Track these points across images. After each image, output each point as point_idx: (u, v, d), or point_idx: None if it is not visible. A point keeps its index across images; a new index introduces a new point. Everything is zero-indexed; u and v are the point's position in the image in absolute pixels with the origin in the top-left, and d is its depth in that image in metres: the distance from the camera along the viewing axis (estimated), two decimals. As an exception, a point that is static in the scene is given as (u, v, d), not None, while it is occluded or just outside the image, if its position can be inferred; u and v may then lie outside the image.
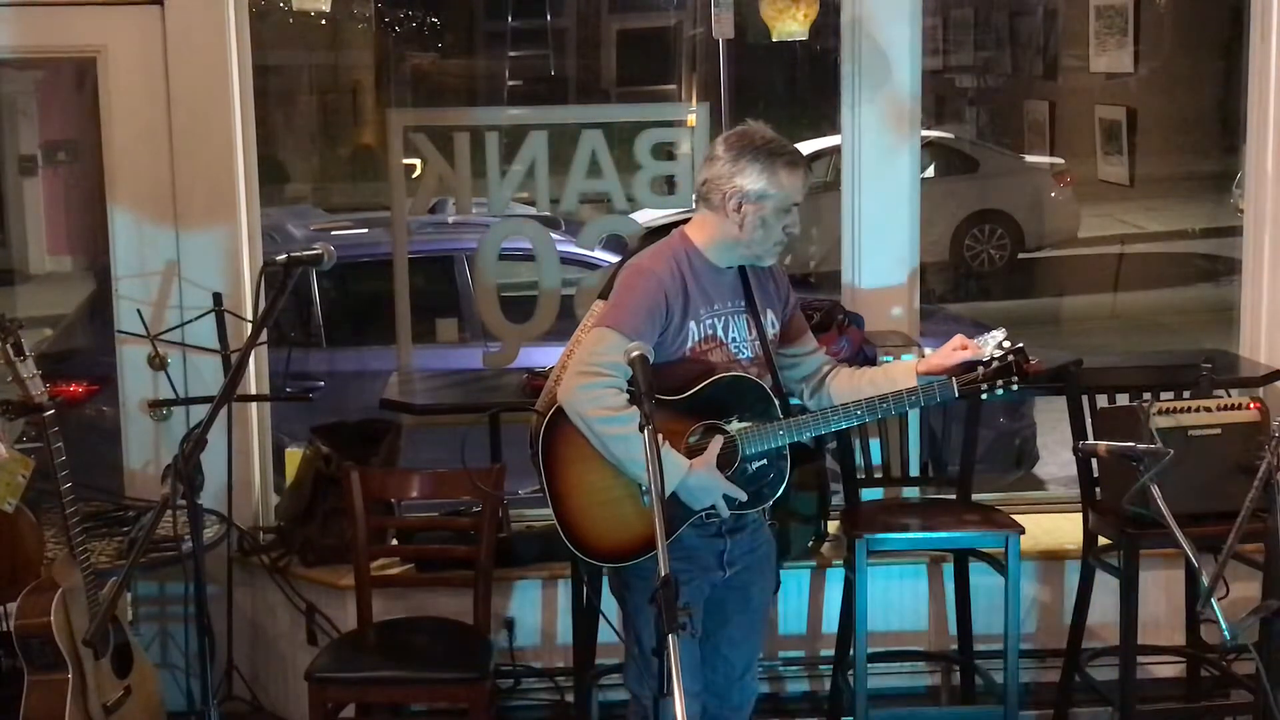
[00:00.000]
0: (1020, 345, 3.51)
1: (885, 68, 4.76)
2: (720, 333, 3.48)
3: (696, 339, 3.44)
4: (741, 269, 3.53)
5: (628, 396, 3.30)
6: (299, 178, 12.84)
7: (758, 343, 3.53)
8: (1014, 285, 12.00)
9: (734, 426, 3.44)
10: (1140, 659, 4.38)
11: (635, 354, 3.02)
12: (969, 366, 3.48)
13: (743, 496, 3.43)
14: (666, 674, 2.58)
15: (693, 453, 3.40)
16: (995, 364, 3.47)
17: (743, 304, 3.52)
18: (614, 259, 4.57)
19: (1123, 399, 4.42)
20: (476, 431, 4.33)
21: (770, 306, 3.58)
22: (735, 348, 3.49)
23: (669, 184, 5.02)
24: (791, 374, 3.65)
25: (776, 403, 3.50)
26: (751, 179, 3.39)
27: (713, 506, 3.40)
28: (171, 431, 4.64)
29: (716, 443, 3.41)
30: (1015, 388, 3.50)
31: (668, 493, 3.27)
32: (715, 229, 3.46)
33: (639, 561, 3.40)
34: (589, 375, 3.32)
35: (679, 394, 3.39)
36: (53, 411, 3.53)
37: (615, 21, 16.08)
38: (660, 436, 3.20)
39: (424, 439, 4.90)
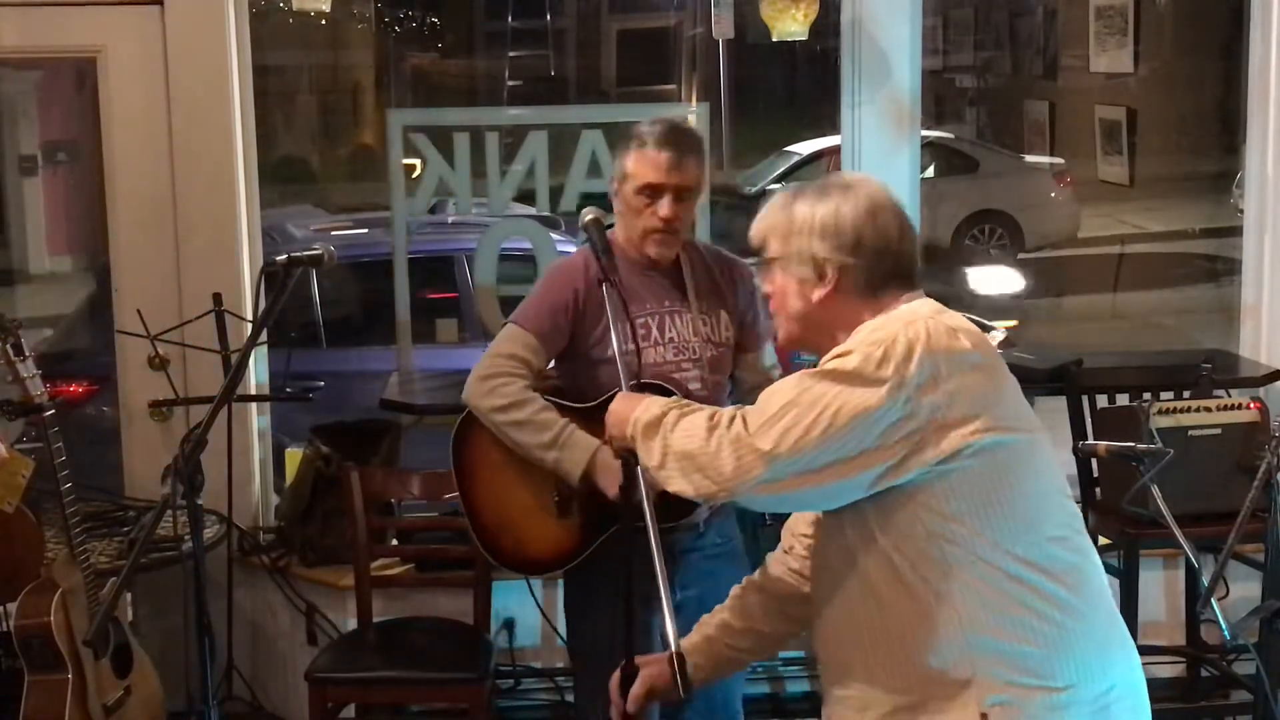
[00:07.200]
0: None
1: (885, 68, 4.75)
2: (655, 332, 3.36)
3: (625, 338, 3.19)
4: (678, 267, 3.41)
5: (525, 384, 3.28)
6: (299, 178, 12.84)
7: (705, 344, 3.39)
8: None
9: None
10: (1140, 659, 4.36)
11: (590, 217, 3.01)
12: None
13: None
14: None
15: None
16: None
17: (680, 304, 3.39)
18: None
19: (1123, 399, 4.41)
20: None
21: (725, 308, 3.44)
22: (674, 348, 3.37)
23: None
24: (745, 384, 3.51)
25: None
26: (618, 163, 3.35)
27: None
28: (171, 431, 4.64)
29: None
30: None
31: (578, 472, 3.22)
32: (619, 222, 3.40)
33: (569, 570, 3.38)
34: (485, 369, 3.32)
35: (589, 402, 3.30)
36: (53, 411, 3.52)
37: (615, 21, 16.11)
38: (569, 422, 3.24)
39: (424, 439, 4.89)
